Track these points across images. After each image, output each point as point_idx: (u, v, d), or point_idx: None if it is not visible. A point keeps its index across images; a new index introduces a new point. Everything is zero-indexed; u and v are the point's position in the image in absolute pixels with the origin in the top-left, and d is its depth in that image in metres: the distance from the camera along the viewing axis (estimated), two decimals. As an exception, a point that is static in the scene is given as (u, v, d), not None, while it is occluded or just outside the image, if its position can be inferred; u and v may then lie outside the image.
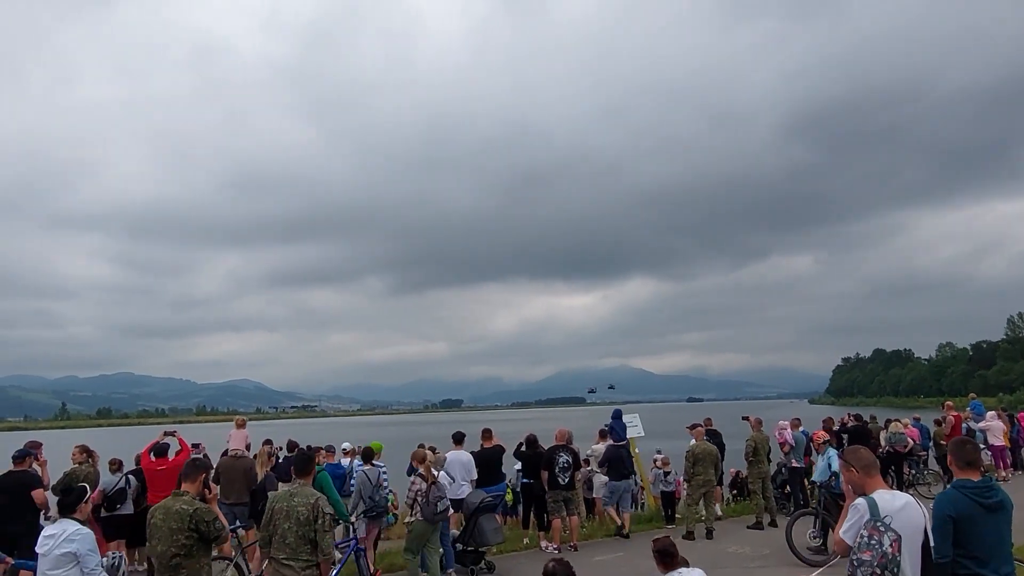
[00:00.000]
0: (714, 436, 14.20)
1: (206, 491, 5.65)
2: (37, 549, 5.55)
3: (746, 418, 14.25)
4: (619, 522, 12.62)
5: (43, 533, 5.66)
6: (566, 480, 11.50)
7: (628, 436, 14.47)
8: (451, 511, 9.96)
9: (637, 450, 15.21)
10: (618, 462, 12.94)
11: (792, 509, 13.17)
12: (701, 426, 13.80)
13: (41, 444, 9.66)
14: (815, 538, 10.36)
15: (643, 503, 17.37)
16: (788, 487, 14.48)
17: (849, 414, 17.07)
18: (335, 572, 7.26)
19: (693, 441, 13.12)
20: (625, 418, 14.82)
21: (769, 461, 14.12)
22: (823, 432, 12.17)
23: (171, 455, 10.29)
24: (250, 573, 8.06)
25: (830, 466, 10.36)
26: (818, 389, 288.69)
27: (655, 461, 15.47)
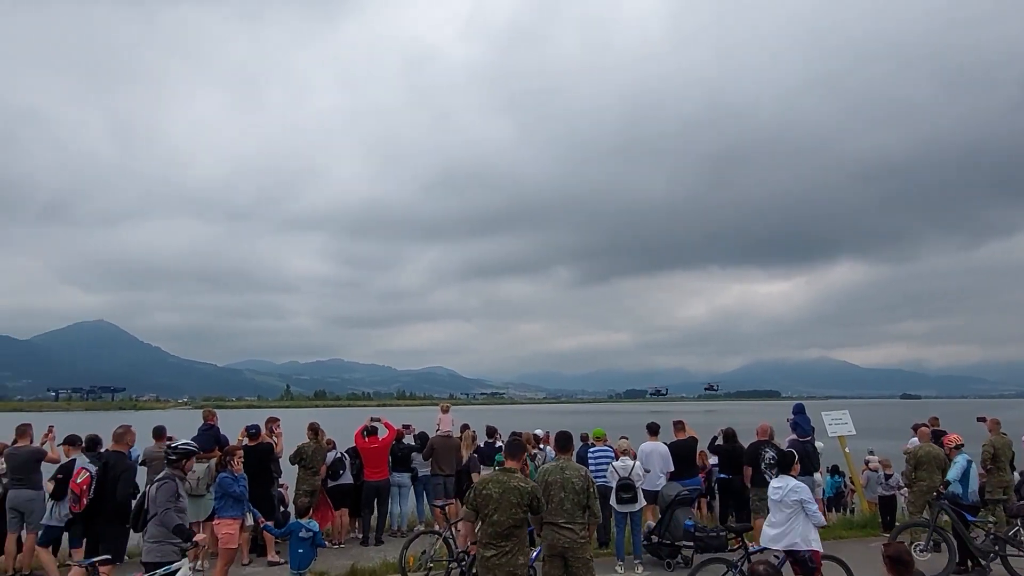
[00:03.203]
0: (940, 438, 12.65)
1: None
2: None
3: (982, 419, 12.50)
4: None
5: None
6: (772, 477, 10.93)
7: (836, 434, 13.48)
8: (644, 502, 9.88)
9: (847, 449, 13.99)
10: (802, 458, 12.11)
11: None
12: (926, 426, 12.34)
13: (279, 419, 11.16)
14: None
15: (854, 507, 15.96)
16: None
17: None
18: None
19: (915, 442, 11.79)
20: (832, 414, 13.80)
21: (1013, 469, 12.30)
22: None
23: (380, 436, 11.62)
24: (457, 548, 8.54)
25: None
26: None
27: (867, 463, 14.10)
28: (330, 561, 9.97)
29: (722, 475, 12.12)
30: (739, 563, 7.45)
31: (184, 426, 11.00)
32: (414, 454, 12.36)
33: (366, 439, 11.54)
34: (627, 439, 10.70)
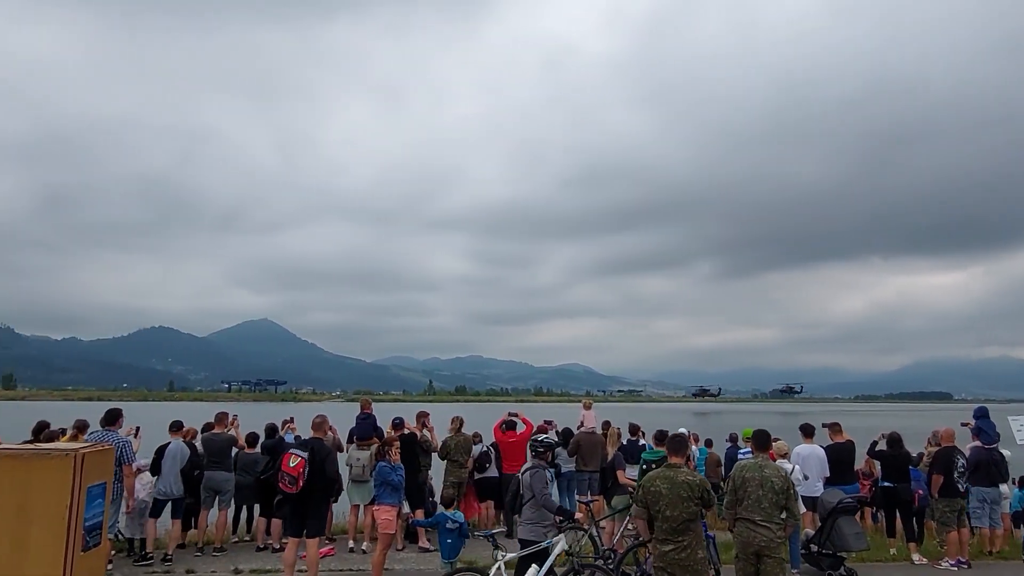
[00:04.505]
0: None
1: None
2: None
3: None
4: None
5: None
6: (965, 487, 10.07)
7: (1024, 441, 12.02)
8: (804, 508, 9.31)
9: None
10: (987, 467, 10.87)
11: None
12: None
13: (428, 413, 11.61)
14: None
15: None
16: None
17: None
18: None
19: None
20: (1020, 419, 12.41)
21: None
22: None
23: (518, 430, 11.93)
24: (603, 545, 8.47)
25: None
26: None
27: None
28: (477, 551, 10.23)
29: (885, 483, 11.18)
30: None
31: (341, 417, 11.78)
32: (558, 449, 12.41)
33: (504, 433, 11.79)
34: (782, 441, 10.11)
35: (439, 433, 11.66)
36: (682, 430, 13.26)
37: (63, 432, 9.59)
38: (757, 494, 6.44)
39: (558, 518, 7.17)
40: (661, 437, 9.04)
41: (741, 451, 10.34)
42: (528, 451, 10.93)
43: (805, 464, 10.10)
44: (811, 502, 9.87)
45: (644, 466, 8.31)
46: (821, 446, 10.75)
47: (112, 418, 9.19)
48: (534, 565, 6.80)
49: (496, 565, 6.71)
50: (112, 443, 7.93)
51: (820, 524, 9.51)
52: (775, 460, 9.36)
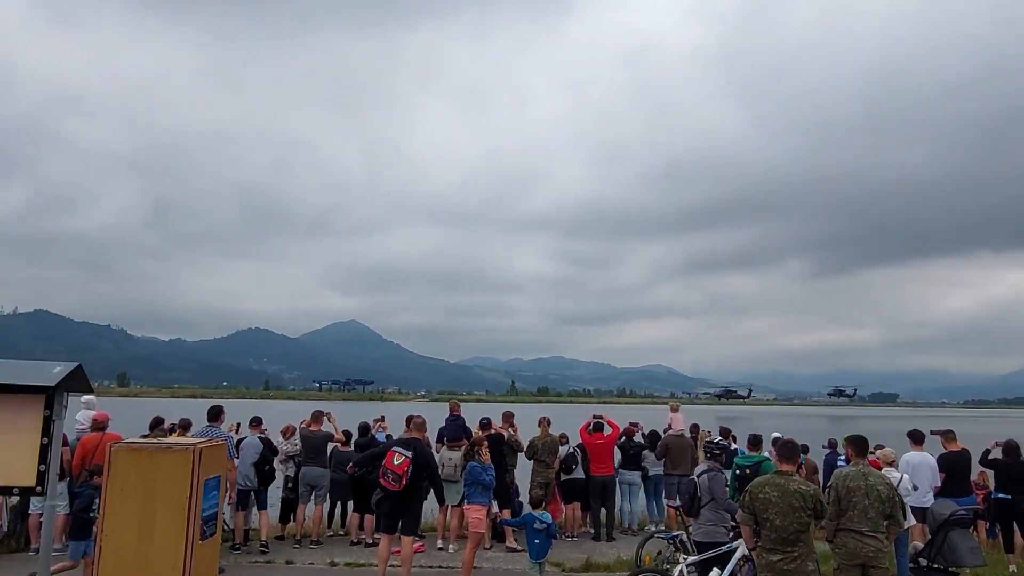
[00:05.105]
0: None
1: None
2: None
3: None
4: None
5: None
6: None
7: None
8: (913, 520, 8.78)
9: None
10: None
11: None
12: None
13: (513, 413, 11.74)
14: None
15: None
16: None
17: None
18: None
19: None
20: None
21: None
22: None
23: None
24: (694, 551, 8.26)
25: None
26: None
27: None
28: (565, 553, 10.23)
29: (1000, 494, 10.40)
30: None
31: (427, 417, 12.08)
32: (645, 452, 12.24)
33: (591, 435, 11.69)
34: (888, 448, 9.57)
35: (523, 433, 11.74)
36: (776, 434, 12.87)
37: (172, 429, 10.25)
38: (863, 504, 6.19)
39: (732, 522, 7.10)
40: (755, 441, 8.75)
41: (840, 457, 9.85)
42: (702, 452, 10.93)
43: (915, 473, 9.52)
44: (920, 513, 9.29)
45: (738, 471, 8.08)
46: (931, 454, 10.15)
47: (215, 415, 9.92)
48: (716, 568, 6.84)
49: (678, 568, 6.89)
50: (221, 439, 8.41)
51: (930, 537, 8.94)
52: (880, 468, 8.89)
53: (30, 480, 4.99)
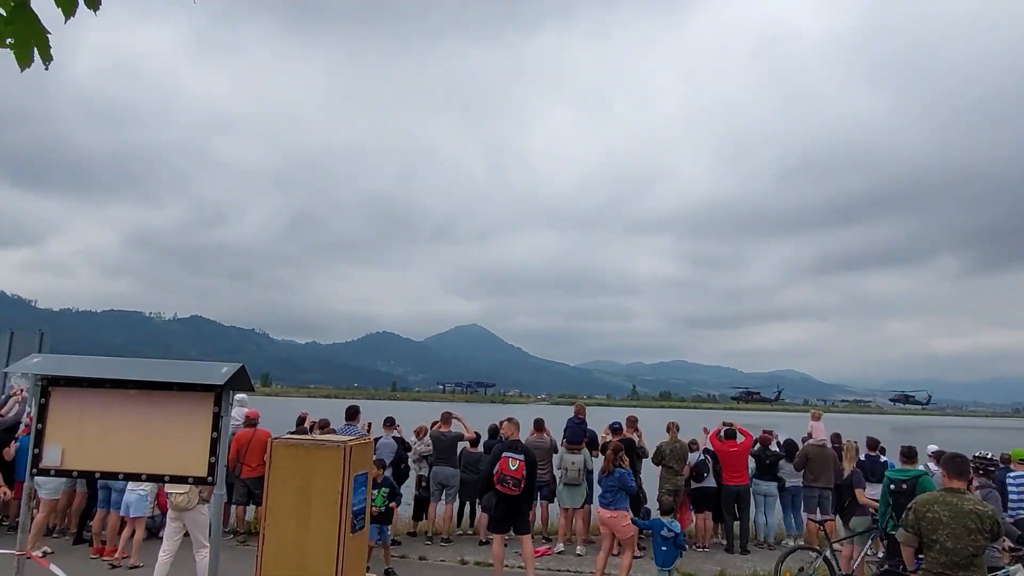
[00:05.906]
0: None
1: None
2: None
3: None
4: None
5: None
6: None
7: None
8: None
9: None
10: None
11: None
12: None
13: (637, 418, 11.77)
14: None
15: None
16: None
17: None
18: None
19: None
20: None
21: None
22: None
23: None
24: (839, 570, 7.77)
25: None
26: None
27: None
28: (696, 564, 9.92)
29: None
30: None
31: (552, 420, 12.08)
32: (782, 462, 11.64)
33: (724, 442, 11.32)
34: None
35: (647, 439, 11.55)
36: (932, 447, 11.85)
37: (312, 427, 10.93)
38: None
39: (1007, 544, 6.76)
40: (910, 454, 8.06)
41: (1011, 475, 8.91)
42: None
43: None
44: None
45: (892, 486, 7.49)
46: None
47: (352, 414, 10.59)
48: None
49: None
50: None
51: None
52: None
53: (202, 471, 5.55)
